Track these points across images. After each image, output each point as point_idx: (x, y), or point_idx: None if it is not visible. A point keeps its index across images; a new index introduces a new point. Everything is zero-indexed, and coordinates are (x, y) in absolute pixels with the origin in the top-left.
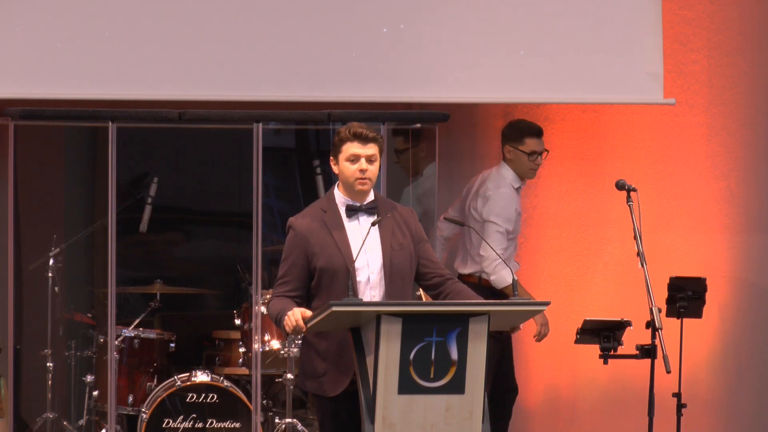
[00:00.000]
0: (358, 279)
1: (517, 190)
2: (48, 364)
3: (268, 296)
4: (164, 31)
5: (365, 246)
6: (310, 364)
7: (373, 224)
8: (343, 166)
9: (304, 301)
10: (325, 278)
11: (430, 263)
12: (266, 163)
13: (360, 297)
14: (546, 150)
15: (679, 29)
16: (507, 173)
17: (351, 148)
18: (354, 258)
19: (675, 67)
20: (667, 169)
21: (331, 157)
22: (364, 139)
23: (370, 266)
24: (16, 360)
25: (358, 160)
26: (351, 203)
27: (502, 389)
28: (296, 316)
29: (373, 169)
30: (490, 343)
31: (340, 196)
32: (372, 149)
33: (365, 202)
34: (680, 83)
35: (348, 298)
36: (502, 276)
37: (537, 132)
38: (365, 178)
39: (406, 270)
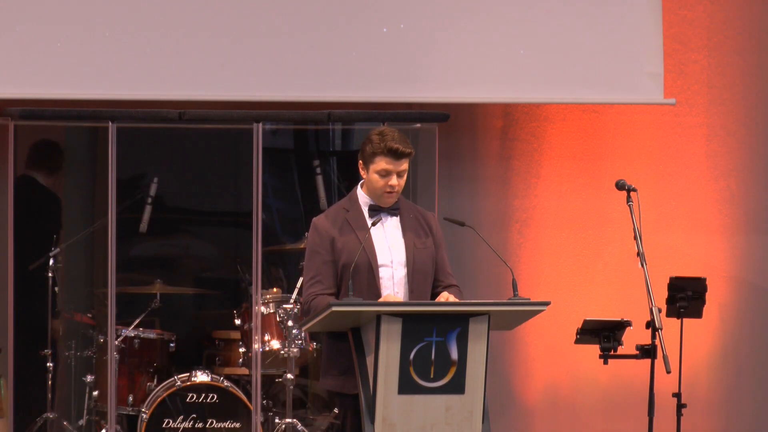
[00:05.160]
0: (381, 275)
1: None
2: (48, 364)
3: (268, 296)
4: (164, 31)
5: (389, 243)
6: (332, 363)
7: (372, 224)
8: (372, 177)
9: (337, 299)
10: (347, 275)
11: (441, 270)
12: (265, 163)
13: (384, 293)
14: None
15: (679, 29)
16: None
17: (383, 163)
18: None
19: (675, 67)
20: (667, 169)
21: (360, 161)
22: (398, 156)
23: (393, 264)
24: (16, 360)
25: (389, 176)
26: (374, 203)
27: None
28: None
29: (402, 182)
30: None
31: (363, 197)
32: (404, 165)
33: None
34: (680, 83)
35: (348, 297)
36: None
37: None
38: (393, 192)
39: (428, 269)
